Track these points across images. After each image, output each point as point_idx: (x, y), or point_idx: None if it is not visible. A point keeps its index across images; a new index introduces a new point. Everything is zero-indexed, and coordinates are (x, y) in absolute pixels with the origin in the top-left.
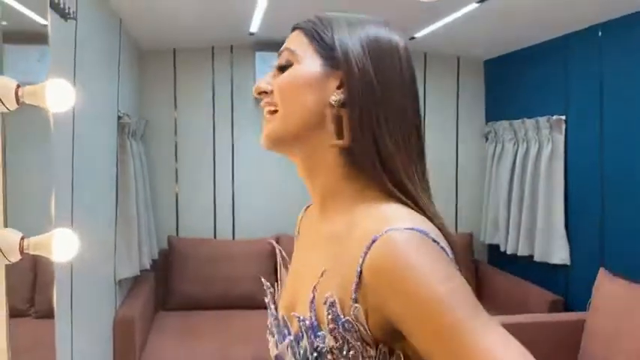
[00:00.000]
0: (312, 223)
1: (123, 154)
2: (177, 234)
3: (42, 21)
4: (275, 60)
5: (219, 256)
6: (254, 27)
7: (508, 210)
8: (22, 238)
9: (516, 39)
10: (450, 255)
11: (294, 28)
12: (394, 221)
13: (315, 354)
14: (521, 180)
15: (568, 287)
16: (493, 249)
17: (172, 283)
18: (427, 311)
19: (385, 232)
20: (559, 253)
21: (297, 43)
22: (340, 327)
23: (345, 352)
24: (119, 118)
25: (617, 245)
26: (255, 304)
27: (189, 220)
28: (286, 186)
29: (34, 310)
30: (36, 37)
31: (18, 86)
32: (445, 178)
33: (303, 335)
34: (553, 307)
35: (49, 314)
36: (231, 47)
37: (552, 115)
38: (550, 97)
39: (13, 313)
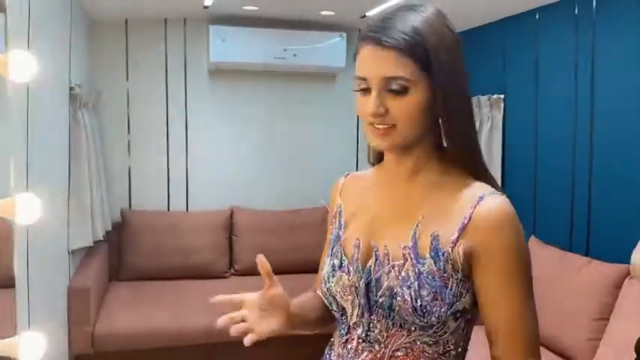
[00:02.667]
0: (386, 183)
1: (75, 124)
2: (130, 207)
3: None
4: (228, 35)
5: (172, 228)
6: (208, 0)
7: None
8: None
9: (457, 22)
10: None
11: (383, 45)
12: (489, 189)
13: (416, 275)
14: None
15: None
16: None
17: (126, 254)
18: (511, 258)
19: (489, 193)
20: None
21: (403, 68)
22: (441, 256)
23: (439, 275)
24: (71, 89)
25: (547, 216)
26: (209, 274)
27: (142, 192)
28: (239, 158)
29: None
30: None
31: None
32: None
33: (406, 260)
34: None
35: None
36: (185, 20)
37: (492, 94)
38: (490, 78)
39: None
